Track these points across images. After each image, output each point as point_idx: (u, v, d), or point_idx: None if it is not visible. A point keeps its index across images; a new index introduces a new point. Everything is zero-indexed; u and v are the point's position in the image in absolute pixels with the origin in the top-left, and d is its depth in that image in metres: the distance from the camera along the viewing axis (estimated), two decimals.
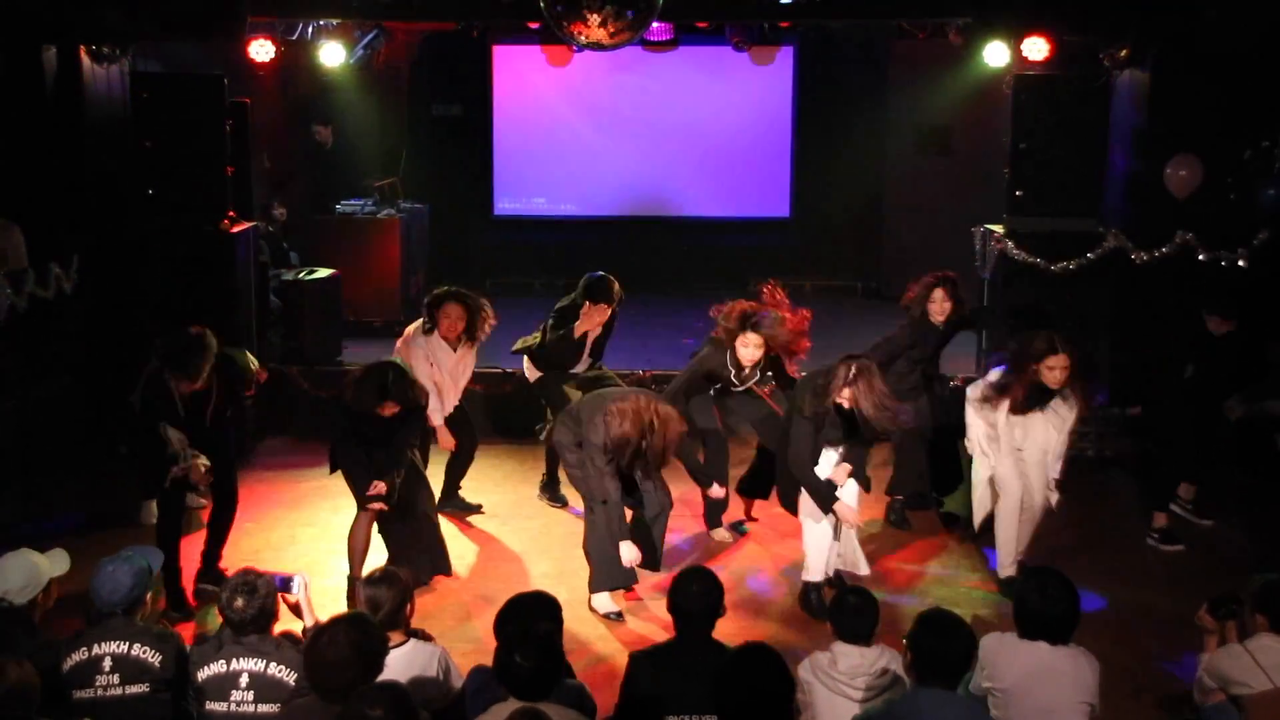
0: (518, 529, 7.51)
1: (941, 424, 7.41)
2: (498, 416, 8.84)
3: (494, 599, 4.47)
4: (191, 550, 6.56)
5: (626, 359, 9.34)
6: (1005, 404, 6.39)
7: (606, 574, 6.36)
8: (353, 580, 6.29)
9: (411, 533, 6.53)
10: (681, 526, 7.33)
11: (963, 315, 7.48)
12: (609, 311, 7.53)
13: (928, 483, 7.52)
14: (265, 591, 4.16)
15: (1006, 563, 6.56)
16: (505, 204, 13.47)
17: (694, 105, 13.13)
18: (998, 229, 9.13)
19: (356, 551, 6.39)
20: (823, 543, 6.32)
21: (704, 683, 3.83)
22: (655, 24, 8.84)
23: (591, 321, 7.46)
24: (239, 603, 4.11)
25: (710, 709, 3.82)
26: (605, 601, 6.36)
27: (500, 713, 3.72)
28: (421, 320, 7.45)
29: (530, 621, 4.11)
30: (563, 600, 4.45)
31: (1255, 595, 4.52)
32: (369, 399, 6.19)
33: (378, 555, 6.44)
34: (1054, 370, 6.23)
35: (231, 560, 6.57)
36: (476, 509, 7.74)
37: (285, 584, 4.50)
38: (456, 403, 7.50)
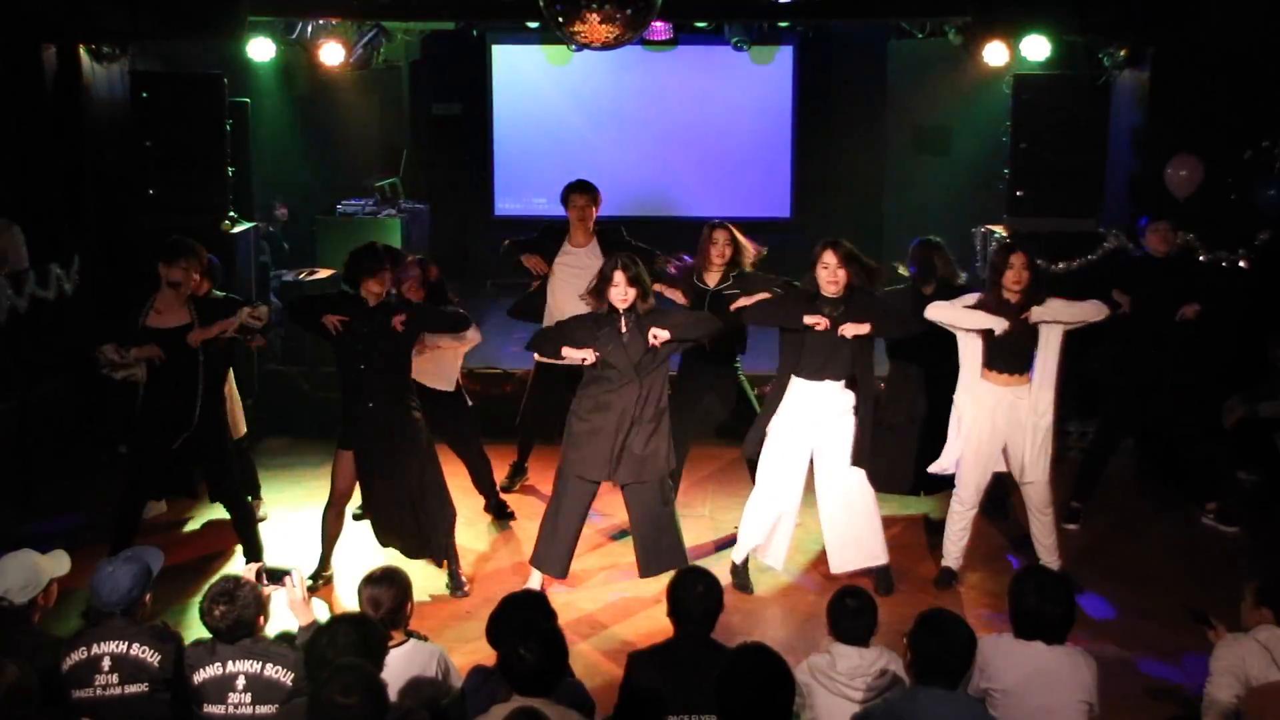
0: (516, 529, 7.51)
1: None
2: (496, 417, 8.81)
3: (493, 599, 4.47)
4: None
5: None
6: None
7: (543, 554, 6.33)
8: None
9: (402, 513, 6.45)
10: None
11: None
12: (593, 202, 7.64)
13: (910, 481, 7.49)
14: (245, 600, 4.14)
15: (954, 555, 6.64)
16: (506, 204, 13.46)
17: (694, 105, 13.12)
18: (998, 229, 9.12)
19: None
20: (758, 517, 6.41)
21: (704, 683, 3.83)
22: (655, 23, 8.84)
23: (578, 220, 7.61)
24: (217, 611, 4.11)
25: (710, 709, 3.82)
26: (534, 580, 6.35)
27: (500, 712, 3.72)
28: None
29: (533, 616, 4.11)
30: (561, 600, 4.45)
31: (1258, 589, 4.52)
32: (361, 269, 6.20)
33: (374, 554, 6.46)
34: (1014, 269, 6.18)
35: (232, 561, 6.60)
36: (511, 516, 7.68)
37: (276, 577, 4.47)
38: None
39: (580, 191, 7.70)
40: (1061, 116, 8.95)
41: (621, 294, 6.13)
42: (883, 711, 3.98)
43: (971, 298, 6.38)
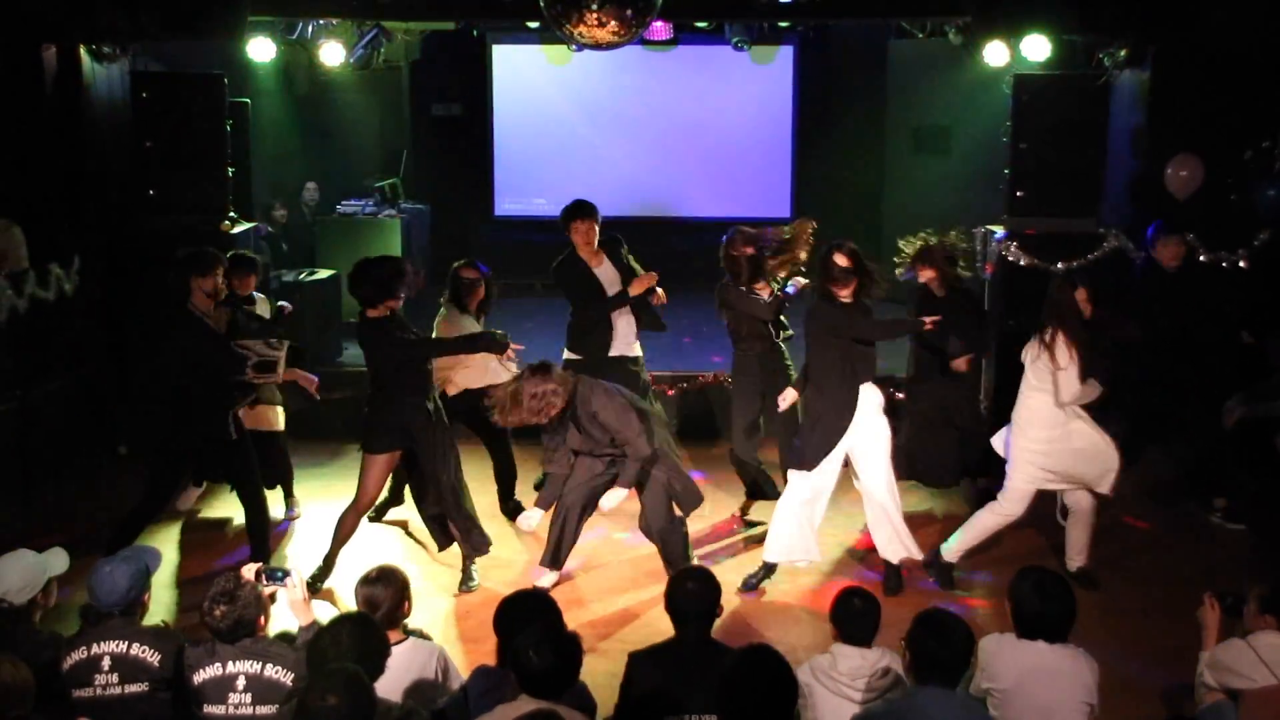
0: (518, 529, 7.51)
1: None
2: None
3: (495, 599, 4.47)
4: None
5: None
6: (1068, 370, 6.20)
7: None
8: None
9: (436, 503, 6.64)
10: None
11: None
12: (595, 228, 7.52)
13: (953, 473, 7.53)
14: (245, 600, 4.14)
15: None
16: (506, 204, 13.48)
17: (694, 105, 13.14)
18: (998, 229, 9.12)
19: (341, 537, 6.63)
20: (788, 524, 6.42)
21: (704, 683, 3.84)
22: (655, 23, 8.84)
23: (584, 243, 7.48)
24: (218, 611, 4.11)
25: (711, 709, 3.81)
26: (545, 580, 6.48)
27: (505, 713, 3.71)
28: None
29: (549, 619, 4.11)
30: (562, 601, 4.46)
31: (1262, 597, 4.52)
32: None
33: (376, 555, 6.45)
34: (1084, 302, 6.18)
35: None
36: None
37: (276, 577, 4.45)
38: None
39: (583, 217, 7.55)
40: (1061, 116, 8.94)
41: None
42: (883, 711, 3.98)
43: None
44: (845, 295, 6.30)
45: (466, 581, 6.60)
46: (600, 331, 7.56)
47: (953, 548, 6.59)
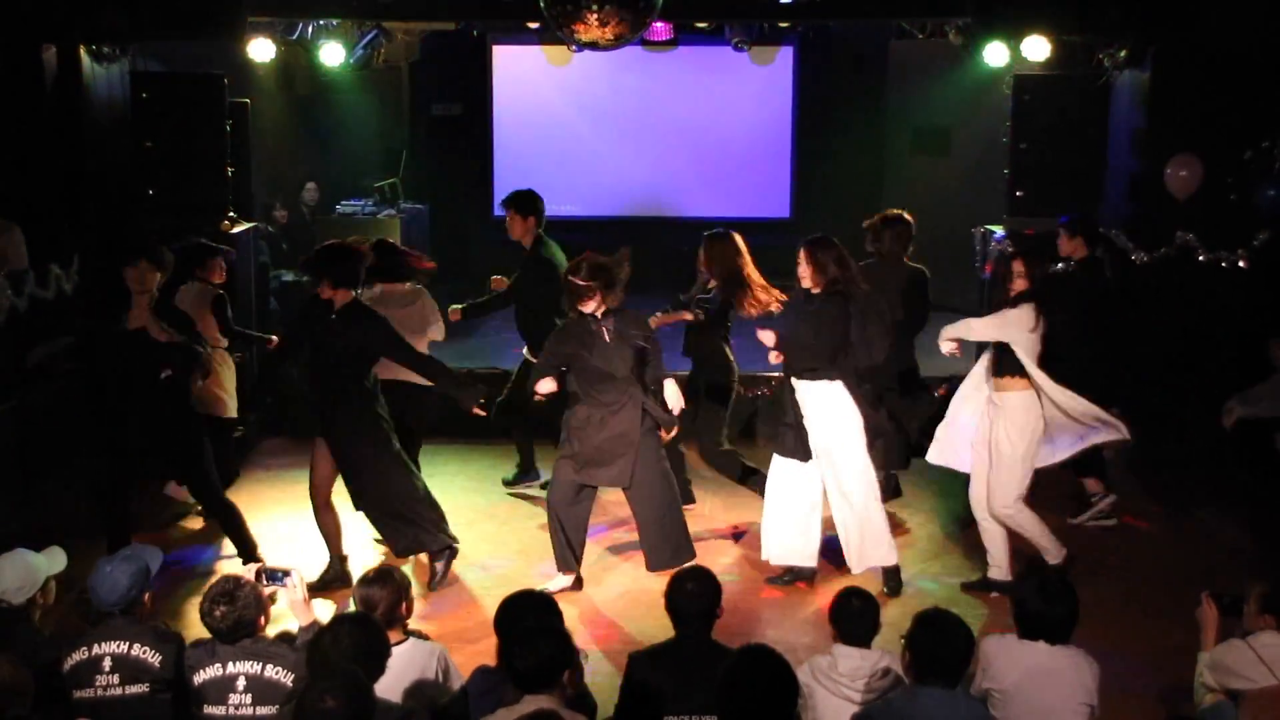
0: (517, 529, 7.52)
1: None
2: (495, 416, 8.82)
3: (494, 599, 4.47)
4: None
5: None
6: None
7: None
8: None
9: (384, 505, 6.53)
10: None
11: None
12: (518, 221, 7.53)
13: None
14: (245, 601, 4.14)
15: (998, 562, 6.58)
16: None
17: (694, 105, 13.15)
18: (998, 229, 9.13)
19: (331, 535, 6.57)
20: (770, 522, 6.46)
21: (704, 683, 3.84)
22: (655, 24, 8.85)
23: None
24: (218, 611, 4.11)
25: (711, 709, 3.81)
26: (555, 584, 6.44)
27: (505, 715, 3.72)
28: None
29: (541, 614, 4.11)
30: (561, 601, 4.46)
31: (1262, 596, 4.53)
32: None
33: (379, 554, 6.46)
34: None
35: (232, 563, 6.61)
36: None
37: (276, 577, 4.46)
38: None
39: (505, 204, 7.65)
40: (1061, 116, 8.96)
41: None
42: (883, 711, 3.98)
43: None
44: (809, 286, 6.29)
45: (437, 579, 6.55)
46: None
47: (995, 568, 6.56)
